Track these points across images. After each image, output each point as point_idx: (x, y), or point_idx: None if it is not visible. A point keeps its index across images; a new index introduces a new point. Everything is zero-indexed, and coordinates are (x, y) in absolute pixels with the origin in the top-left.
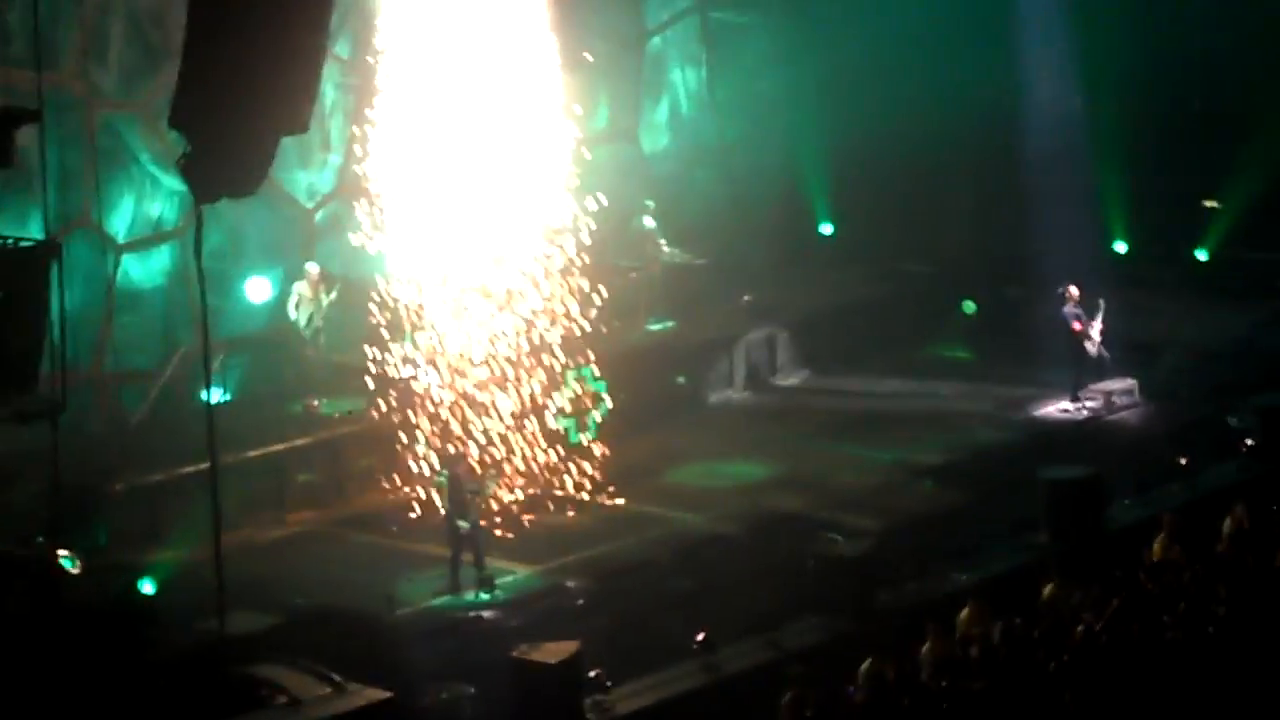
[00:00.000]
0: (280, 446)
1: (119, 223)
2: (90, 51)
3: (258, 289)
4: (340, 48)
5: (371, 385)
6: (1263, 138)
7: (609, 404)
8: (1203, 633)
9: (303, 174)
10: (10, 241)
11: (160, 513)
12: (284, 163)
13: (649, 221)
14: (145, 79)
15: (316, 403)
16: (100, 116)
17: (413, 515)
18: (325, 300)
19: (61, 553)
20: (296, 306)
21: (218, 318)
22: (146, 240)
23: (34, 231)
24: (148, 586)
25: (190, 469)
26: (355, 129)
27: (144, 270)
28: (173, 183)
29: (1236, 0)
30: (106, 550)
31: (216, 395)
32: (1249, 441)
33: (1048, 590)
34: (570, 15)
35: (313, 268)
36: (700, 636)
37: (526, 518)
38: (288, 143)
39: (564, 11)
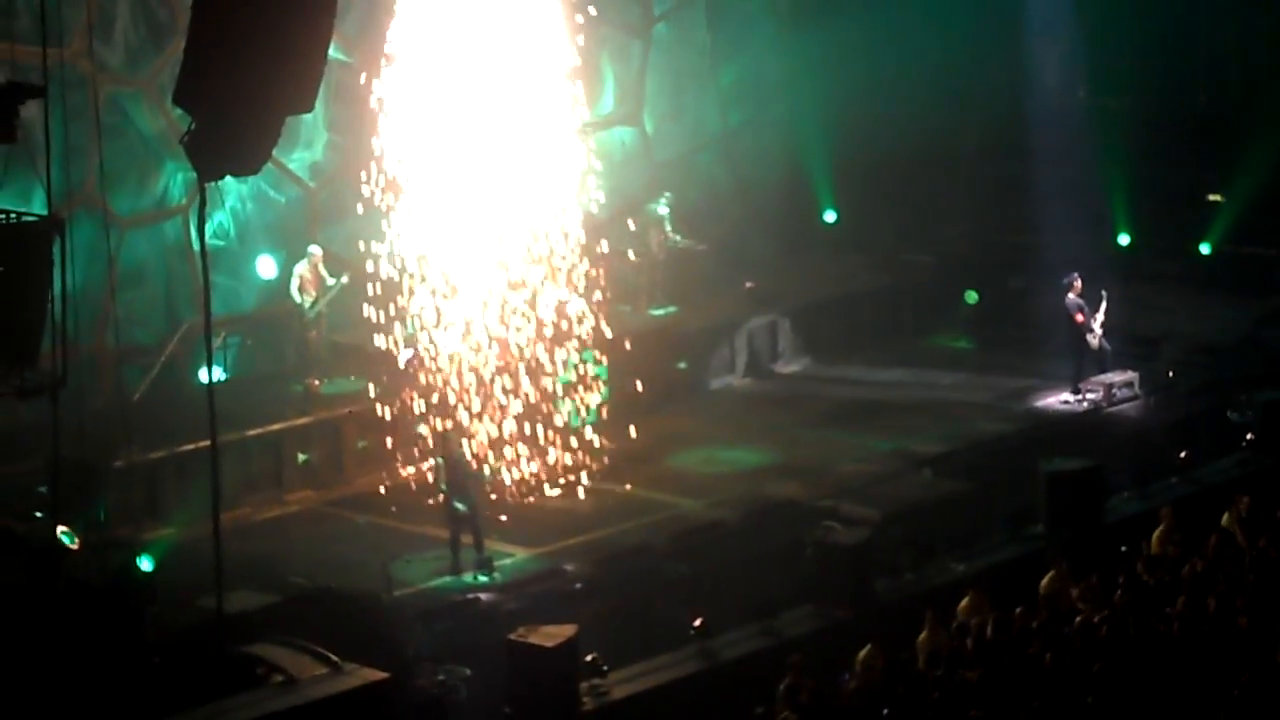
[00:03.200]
0: (280, 426)
1: (123, 199)
2: (97, 28)
3: (266, 267)
4: (345, 27)
5: (374, 366)
6: (1267, 133)
7: (610, 389)
8: (1199, 626)
9: (306, 153)
10: (13, 217)
11: (160, 490)
12: (288, 142)
13: (663, 209)
14: (151, 56)
15: (317, 382)
16: (106, 93)
17: (412, 497)
18: (331, 285)
19: (60, 528)
20: (300, 289)
21: (220, 295)
22: (149, 217)
23: (37, 207)
24: (146, 563)
25: (190, 446)
26: (361, 109)
27: (147, 247)
28: (177, 160)
29: None
30: (105, 526)
31: (217, 373)
32: (1249, 436)
33: (1046, 581)
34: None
35: (315, 250)
36: (697, 622)
37: (526, 501)
38: (291, 121)
39: None
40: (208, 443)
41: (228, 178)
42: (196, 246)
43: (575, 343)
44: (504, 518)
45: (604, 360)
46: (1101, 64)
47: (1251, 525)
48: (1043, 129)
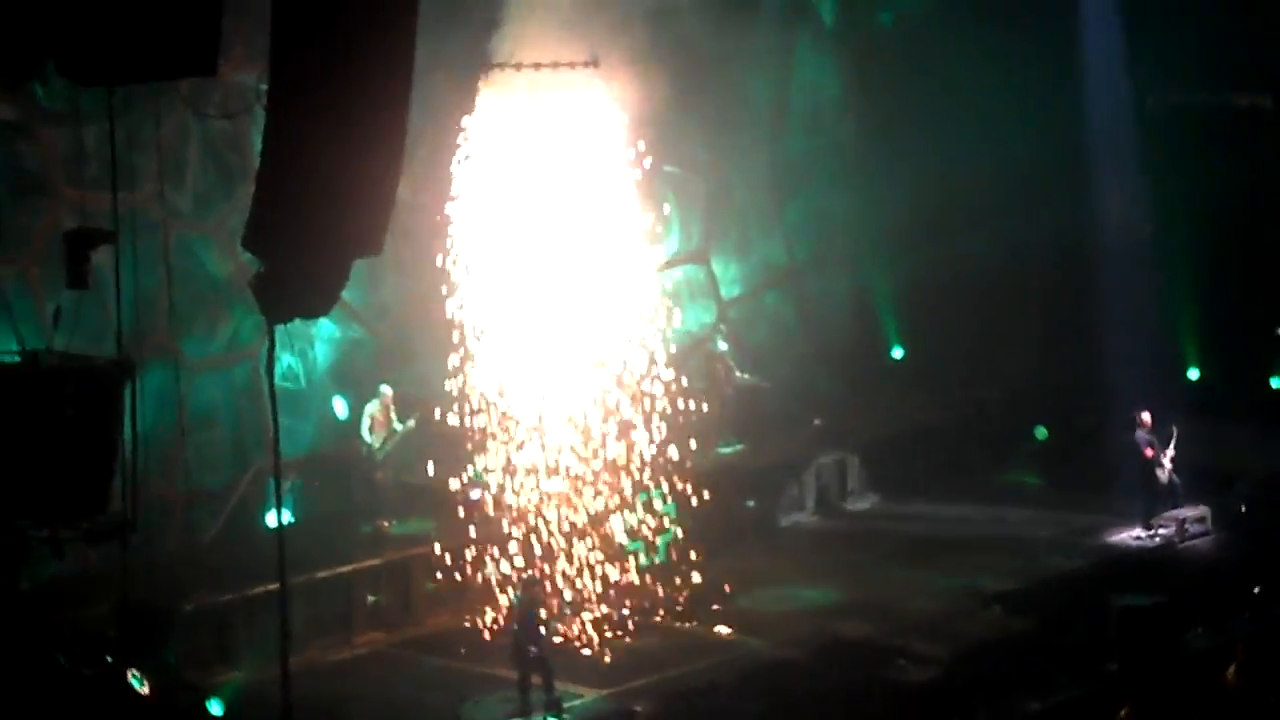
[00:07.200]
0: (349, 567)
1: (192, 342)
2: (167, 173)
3: (340, 408)
4: (412, 167)
5: (443, 507)
6: None
7: (679, 527)
8: None
9: (373, 294)
10: (85, 362)
11: (229, 633)
12: (355, 283)
13: (722, 345)
14: (221, 200)
15: (386, 524)
16: (176, 237)
17: (484, 637)
18: (401, 428)
19: (131, 673)
20: (369, 429)
21: (289, 437)
22: (219, 360)
23: (108, 352)
24: (216, 707)
25: (259, 589)
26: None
27: (217, 389)
28: (246, 303)
29: None
30: (175, 670)
31: (286, 515)
32: None
33: (1120, 718)
34: (643, 140)
35: (386, 390)
36: None
37: (596, 641)
38: (360, 263)
39: (637, 136)
40: (276, 585)
41: (296, 320)
42: (266, 389)
43: (646, 481)
44: (583, 656)
45: (674, 498)
46: (1168, 198)
47: None
48: (1110, 264)
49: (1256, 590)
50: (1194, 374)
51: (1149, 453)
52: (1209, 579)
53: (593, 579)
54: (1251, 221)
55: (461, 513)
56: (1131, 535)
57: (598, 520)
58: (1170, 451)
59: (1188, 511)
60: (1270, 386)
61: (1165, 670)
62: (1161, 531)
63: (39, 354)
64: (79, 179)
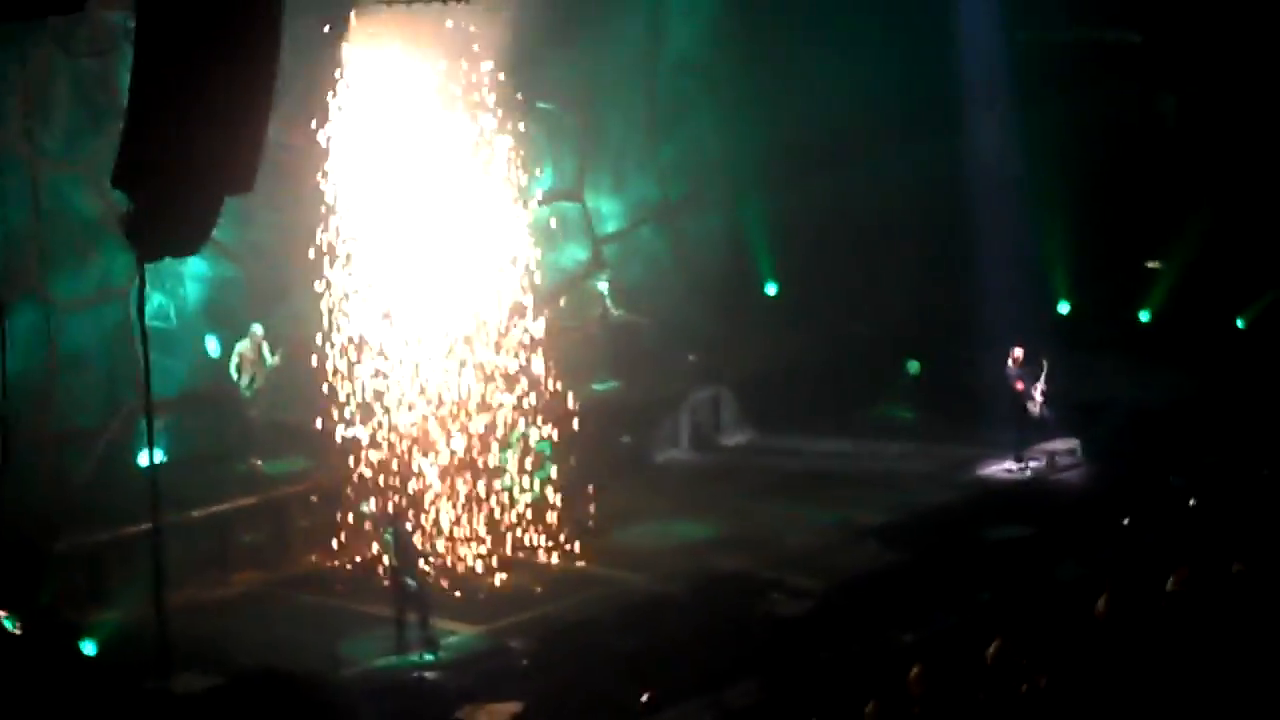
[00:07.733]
0: (224, 506)
1: (63, 282)
2: (34, 112)
3: (213, 347)
4: (285, 106)
5: (317, 445)
6: (1204, 199)
7: (554, 464)
8: (1146, 692)
9: (246, 232)
10: None
11: (103, 573)
12: (228, 221)
13: (602, 285)
14: (90, 139)
15: (260, 462)
16: (45, 177)
17: (357, 575)
18: (269, 362)
19: (2, 613)
20: (238, 368)
21: (161, 377)
22: (90, 299)
23: None
24: (90, 648)
25: (133, 529)
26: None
27: (88, 329)
28: (117, 242)
29: (1177, 67)
30: (49, 611)
31: (159, 455)
32: (1191, 501)
33: (992, 649)
34: (516, 75)
35: (257, 329)
36: (645, 697)
37: (472, 578)
38: (232, 201)
39: (509, 71)
40: (150, 525)
41: (167, 259)
42: (137, 328)
43: (520, 418)
44: (458, 593)
45: (549, 435)
46: (1037, 131)
47: (1194, 591)
48: (981, 201)
49: (1126, 521)
50: (1064, 307)
51: (1020, 386)
52: (1079, 511)
53: (468, 515)
54: (1120, 156)
55: (337, 451)
56: (1003, 468)
57: (473, 458)
58: (1041, 385)
59: (1058, 444)
60: (1139, 319)
61: (1036, 602)
62: (1032, 464)
63: None
64: None
